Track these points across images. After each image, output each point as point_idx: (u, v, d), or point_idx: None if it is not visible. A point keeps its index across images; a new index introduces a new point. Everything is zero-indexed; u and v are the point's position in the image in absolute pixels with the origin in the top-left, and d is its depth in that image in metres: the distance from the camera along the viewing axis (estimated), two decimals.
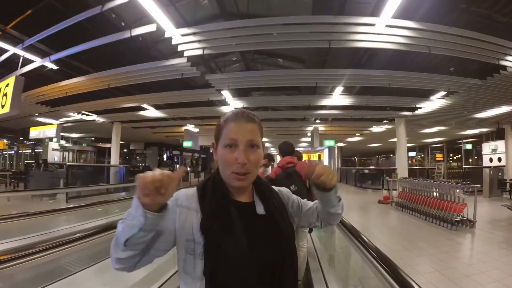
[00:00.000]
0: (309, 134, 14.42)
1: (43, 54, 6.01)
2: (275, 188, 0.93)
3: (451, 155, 21.01)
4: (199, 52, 4.84)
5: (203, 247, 0.70)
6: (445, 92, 7.51)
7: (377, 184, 16.44)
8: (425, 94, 7.76)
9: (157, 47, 5.88)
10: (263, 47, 5.27)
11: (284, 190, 0.95)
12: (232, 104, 8.30)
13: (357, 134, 14.85)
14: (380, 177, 17.83)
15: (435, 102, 8.34)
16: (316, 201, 0.93)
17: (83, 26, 5.06)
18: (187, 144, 11.99)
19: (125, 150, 23.92)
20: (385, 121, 10.97)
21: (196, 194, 0.80)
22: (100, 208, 5.85)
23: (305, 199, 0.97)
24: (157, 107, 9.51)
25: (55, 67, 6.80)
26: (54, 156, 18.03)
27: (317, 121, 11.36)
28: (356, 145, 21.18)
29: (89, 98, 8.59)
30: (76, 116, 11.42)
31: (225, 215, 0.74)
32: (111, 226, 2.41)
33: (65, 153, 18.85)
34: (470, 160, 17.99)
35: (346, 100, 8.12)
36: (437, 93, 7.60)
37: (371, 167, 24.16)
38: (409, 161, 23.91)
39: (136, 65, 5.65)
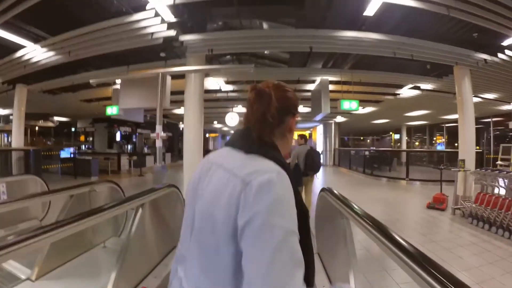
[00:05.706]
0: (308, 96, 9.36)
1: None
2: None
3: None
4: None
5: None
6: None
7: (386, 171, 12.96)
8: None
9: None
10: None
11: None
12: (155, 5, 3.88)
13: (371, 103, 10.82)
14: (388, 161, 14.25)
15: None
16: None
17: None
18: (111, 111, 7.32)
19: (74, 130, 19.14)
20: (431, 75, 6.91)
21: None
22: None
23: None
24: (35, 39, 5.02)
25: None
26: None
27: (328, 65, 6.68)
28: (358, 121, 17.04)
29: None
30: None
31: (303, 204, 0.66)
32: None
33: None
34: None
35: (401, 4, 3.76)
36: None
37: (371, 148, 20.45)
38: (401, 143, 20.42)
39: None
